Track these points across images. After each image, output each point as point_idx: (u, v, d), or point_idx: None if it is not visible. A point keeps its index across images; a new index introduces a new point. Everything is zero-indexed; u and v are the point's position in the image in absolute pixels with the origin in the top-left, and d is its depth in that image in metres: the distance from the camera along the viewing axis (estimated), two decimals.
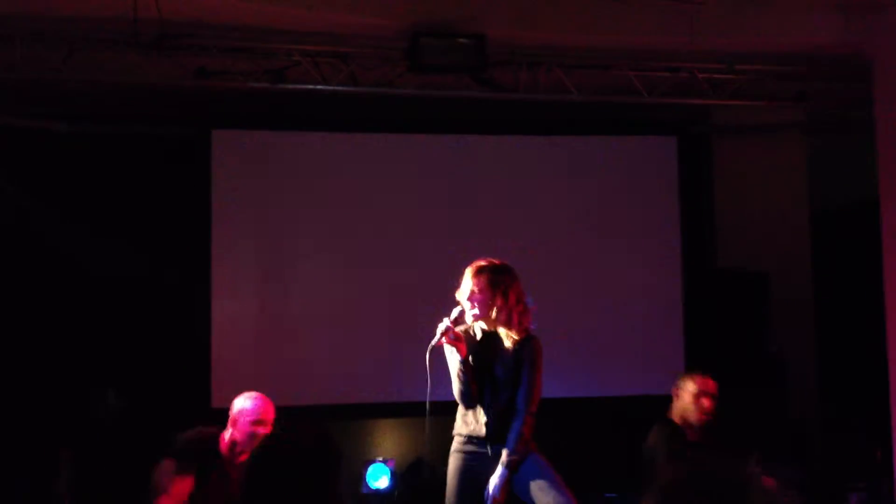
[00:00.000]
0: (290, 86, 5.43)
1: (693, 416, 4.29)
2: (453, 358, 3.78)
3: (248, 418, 3.95)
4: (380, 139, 6.18)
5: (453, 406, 3.97)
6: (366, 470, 5.80)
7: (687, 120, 6.45)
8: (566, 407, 5.95)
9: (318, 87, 5.43)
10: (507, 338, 3.79)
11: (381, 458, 5.88)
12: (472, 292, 3.76)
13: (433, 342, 3.71)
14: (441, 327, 3.72)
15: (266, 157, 6.03)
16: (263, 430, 3.85)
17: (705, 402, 4.28)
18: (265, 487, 1.90)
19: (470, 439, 3.82)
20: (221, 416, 5.62)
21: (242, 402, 4.02)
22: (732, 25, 5.26)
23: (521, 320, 3.78)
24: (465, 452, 3.82)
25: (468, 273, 3.80)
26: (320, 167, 6.08)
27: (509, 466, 3.72)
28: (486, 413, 3.80)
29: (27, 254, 5.71)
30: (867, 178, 5.45)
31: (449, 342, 3.74)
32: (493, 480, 3.72)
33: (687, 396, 4.32)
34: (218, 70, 5.33)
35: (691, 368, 4.53)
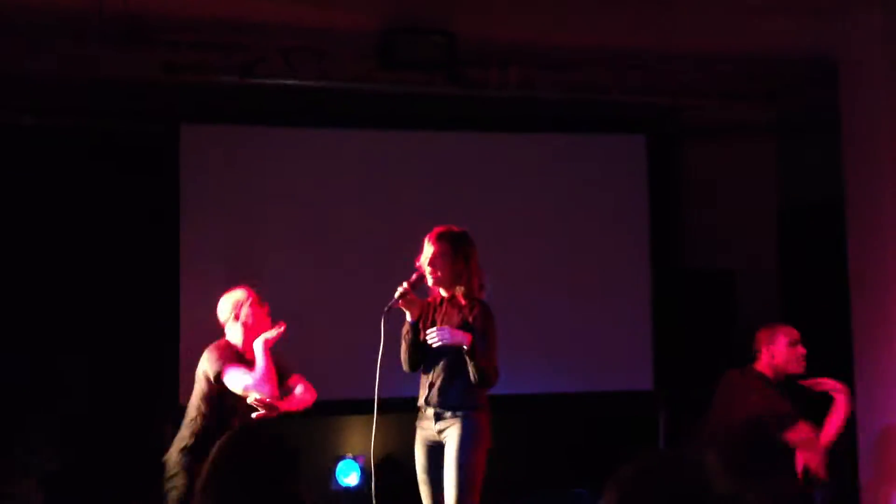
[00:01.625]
0: (261, 80, 5.40)
1: (792, 365, 4.25)
2: (406, 319, 3.92)
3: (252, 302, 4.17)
4: (351, 135, 6.16)
5: (411, 403, 4.02)
6: (335, 466, 5.79)
7: (656, 119, 6.48)
8: (535, 403, 5.99)
9: (289, 81, 5.41)
10: (463, 300, 3.86)
11: (350, 455, 5.88)
12: (434, 256, 3.81)
13: (390, 303, 3.82)
14: (399, 290, 3.82)
15: (236, 153, 5.98)
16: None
17: (801, 349, 4.26)
18: (223, 495, 1.89)
19: (423, 406, 3.93)
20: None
21: (234, 296, 4.21)
22: (702, 25, 5.30)
23: (480, 285, 3.91)
24: (420, 422, 3.95)
25: (429, 238, 3.87)
26: (291, 163, 6.05)
27: (472, 339, 3.76)
28: (432, 377, 3.90)
29: None
30: (834, 178, 5.51)
31: (403, 305, 3.84)
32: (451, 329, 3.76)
33: (782, 347, 4.25)
34: (187, 64, 5.29)
35: (770, 322, 4.44)
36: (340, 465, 5.80)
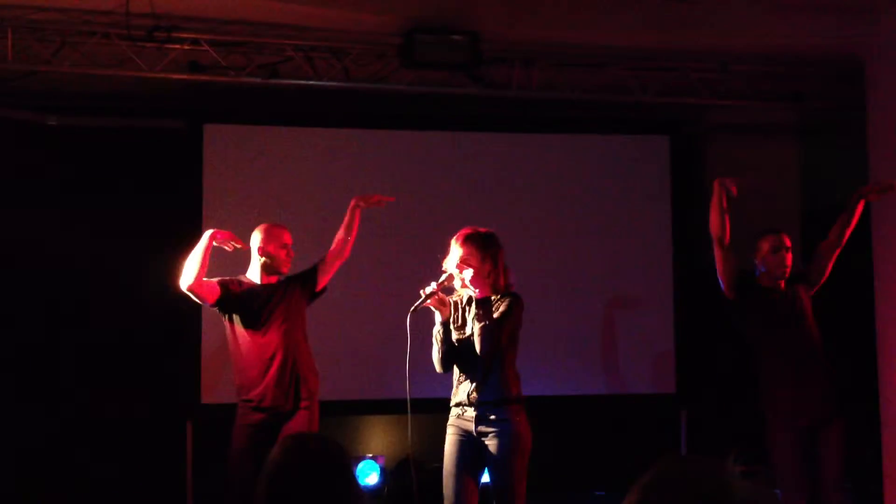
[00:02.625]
0: (283, 81, 5.42)
1: (777, 269, 4.42)
2: (436, 321, 3.88)
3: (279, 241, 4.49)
4: (372, 135, 6.17)
5: (437, 403, 4.00)
6: (355, 466, 5.80)
7: (680, 119, 6.45)
8: (556, 405, 5.97)
9: (312, 82, 5.43)
10: (499, 302, 3.87)
11: (370, 455, 5.89)
12: (463, 258, 3.82)
13: (417, 303, 3.79)
14: (427, 290, 3.79)
15: (258, 152, 6.01)
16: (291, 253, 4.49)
17: (783, 254, 4.43)
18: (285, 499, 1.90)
19: (458, 406, 3.90)
20: (211, 412, 5.65)
21: (266, 230, 4.54)
22: (726, 25, 5.26)
23: (507, 284, 3.92)
24: (456, 419, 3.90)
25: (457, 240, 3.86)
26: (312, 162, 6.07)
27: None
28: (470, 379, 3.87)
29: (18, 247, 5.69)
30: (858, 180, 5.46)
31: (434, 304, 3.82)
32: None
33: (765, 254, 4.46)
34: (210, 64, 5.32)
35: (764, 230, 4.61)
36: (360, 466, 5.81)
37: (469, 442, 3.86)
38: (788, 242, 4.50)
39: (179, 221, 5.88)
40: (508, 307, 3.87)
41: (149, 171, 5.97)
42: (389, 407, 5.83)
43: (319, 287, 4.63)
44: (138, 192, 5.93)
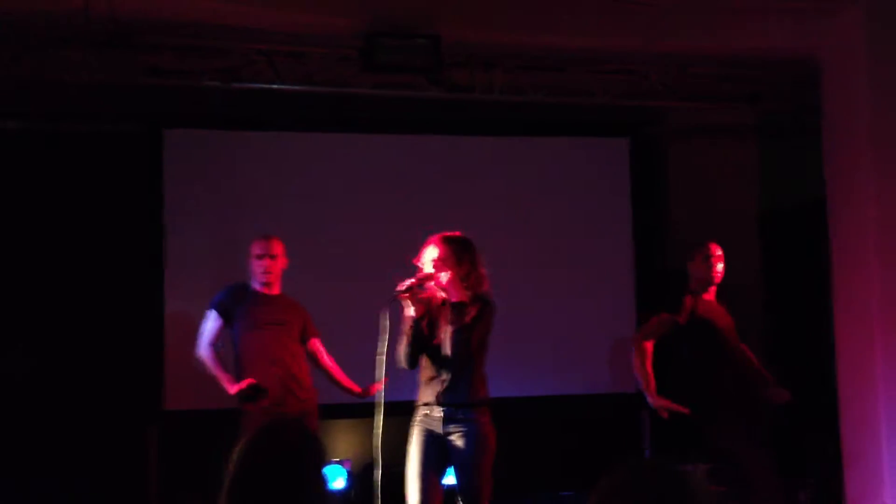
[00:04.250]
0: (245, 84, 5.39)
1: (709, 275, 4.72)
2: (407, 316, 3.90)
3: (252, 253, 4.74)
4: (335, 139, 6.16)
5: (402, 406, 4.01)
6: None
7: (641, 121, 6.51)
8: (519, 406, 5.99)
9: (273, 85, 5.40)
10: (471, 306, 3.90)
11: (336, 459, 5.87)
12: (440, 259, 3.84)
13: (393, 294, 3.81)
14: (405, 284, 3.83)
15: (219, 157, 5.98)
16: (268, 263, 4.70)
17: (715, 262, 4.74)
18: (253, 481, 1.88)
19: (426, 406, 3.94)
20: (173, 418, 5.61)
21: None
22: (686, 28, 5.31)
23: (484, 288, 3.98)
24: (422, 419, 3.94)
25: (434, 242, 3.88)
26: (274, 167, 6.04)
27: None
28: (439, 380, 3.90)
29: None
30: (815, 180, 5.55)
31: (408, 298, 3.85)
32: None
33: (698, 263, 4.77)
34: (171, 68, 5.27)
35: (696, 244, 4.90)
36: (326, 470, 5.79)
37: (435, 442, 3.88)
38: (717, 253, 4.77)
39: (139, 226, 5.84)
40: (480, 312, 3.90)
41: (108, 177, 5.90)
42: (355, 411, 5.82)
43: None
44: (97, 196, 5.86)
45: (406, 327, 3.91)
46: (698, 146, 6.68)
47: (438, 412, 3.89)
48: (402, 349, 3.93)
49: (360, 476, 5.88)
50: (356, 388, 4.85)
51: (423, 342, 3.91)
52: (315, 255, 5.89)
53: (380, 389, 3.90)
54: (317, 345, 4.92)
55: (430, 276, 3.90)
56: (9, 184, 5.78)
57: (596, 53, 5.61)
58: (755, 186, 6.79)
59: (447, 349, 3.86)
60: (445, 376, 3.90)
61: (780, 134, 6.60)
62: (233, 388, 4.54)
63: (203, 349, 4.69)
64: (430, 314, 3.93)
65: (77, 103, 5.78)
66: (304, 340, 4.87)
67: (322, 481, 2.01)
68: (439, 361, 3.91)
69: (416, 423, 3.96)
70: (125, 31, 4.96)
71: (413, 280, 3.85)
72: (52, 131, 5.89)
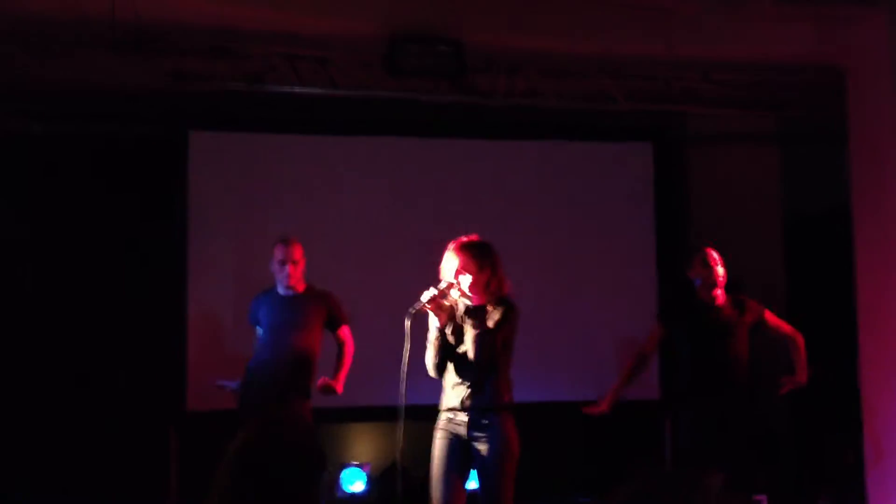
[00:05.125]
0: (269, 88, 5.43)
1: (710, 280, 4.81)
2: (433, 326, 3.91)
3: (274, 258, 4.85)
4: (358, 142, 6.18)
5: (424, 410, 4.02)
6: (340, 474, 5.80)
7: (662, 127, 6.50)
8: (540, 411, 5.98)
9: (297, 89, 5.43)
10: (494, 310, 3.91)
11: (356, 463, 5.89)
12: (462, 266, 3.86)
13: (417, 306, 3.81)
14: (427, 294, 3.82)
15: (244, 160, 6.01)
16: (290, 268, 4.82)
17: (714, 267, 4.83)
18: (251, 477, 1.89)
19: (450, 410, 3.94)
20: (195, 420, 5.65)
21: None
22: (708, 35, 5.30)
23: (506, 291, 3.99)
24: (446, 424, 3.94)
25: (453, 249, 3.89)
26: (298, 170, 6.07)
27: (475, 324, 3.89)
28: (464, 385, 3.91)
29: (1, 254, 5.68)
30: (840, 187, 5.52)
31: (432, 309, 3.84)
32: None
33: (698, 269, 4.86)
34: (196, 72, 5.32)
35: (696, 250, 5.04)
36: (345, 473, 5.81)
37: (459, 446, 3.90)
38: (714, 257, 4.87)
39: (164, 228, 5.88)
40: (504, 315, 3.91)
41: (133, 179, 5.96)
42: (376, 414, 5.84)
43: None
44: (122, 199, 5.92)
45: (432, 337, 3.93)
46: (721, 152, 6.65)
47: (463, 416, 3.90)
48: (430, 359, 3.95)
49: (379, 480, 5.90)
50: (326, 382, 4.86)
51: (448, 350, 3.93)
52: (338, 258, 5.92)
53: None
54: (343, 333, 5.01)
55: (450, 285, 3.92)
56: (34, 187, 5.85)
57: (618, 59, 5.61)
58: (778, 192, 6.75)
59: (472, 354, 3.87)
60: (470, 380, 3.91)
61: (803, 140, 6.56)
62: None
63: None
64: (454, 322, 3.94)
65: (103, 107, 5.84)
66: (333, 329, 4.98)
67: (315, 480, 2.01)
68: (464, 366, 3.92)
69: (439, 428, 3.97)
70: (151, 36, 5.00)
71: (435, 291, 3.87)
72: (78, 135, 5.95)
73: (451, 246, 3.96)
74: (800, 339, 4.93)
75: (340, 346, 4.99)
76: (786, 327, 4.98)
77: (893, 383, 4.98)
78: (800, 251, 6.61)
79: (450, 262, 3.92)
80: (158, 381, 5.75)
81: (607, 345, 6.22)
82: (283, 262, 4.82)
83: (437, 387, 4.06)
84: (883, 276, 5.08)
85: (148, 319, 5.77)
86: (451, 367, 3.96)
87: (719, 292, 4.85)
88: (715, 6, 5.09)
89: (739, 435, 4.73)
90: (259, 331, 4.90)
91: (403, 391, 3.87)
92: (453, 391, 3.94)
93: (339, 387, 4.86)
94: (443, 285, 3.89)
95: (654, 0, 5.01)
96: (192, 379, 5.74)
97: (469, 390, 3.90)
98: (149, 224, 5.89)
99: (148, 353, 5.76)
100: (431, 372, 3.96)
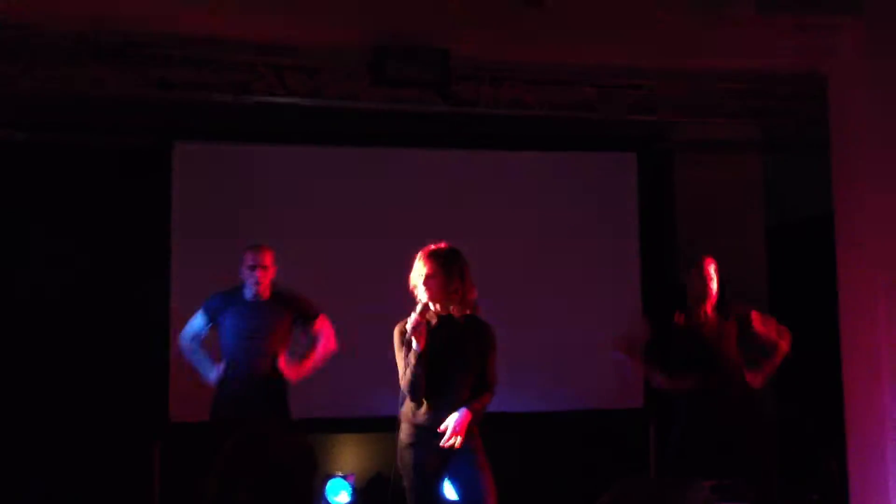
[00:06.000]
0: (254, 98, 5.42)
1: (703, 289, 4.82)
2: (412, 349, 3.86)
3: (244, 263, 4.86)
4: (344, 153, 6.19)
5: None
6: (325, 485, 5.78)
7: (647, 136, 6.53)
8: (525, 421, 5.99)
9: (282, 99, 5.43)
10: (463, 321, 3.93)
11: (340, 474, 5.87)
12: (429, 275, 3.84)
13: (407, 337, 3.82)
14: (410, 324, 3.84)
15: (229, 170, 6.01)
16: (260, 273, 4.81)
17: (707, 275, 4.85)
18: (242, 480, 1.88)
19: (425, 430, 3.90)
20: (178, 431, 5.63)
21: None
22: (691, 44, 5.34)
23: (473, 300, 4.00)
24: (424, 441, 3.89)
25: (422, 257, 3.90)
26: (283, 180, 6.07)
27: (472, 410, 3.84)
28: (443, 403, 3.89)
29: None
30: (823, 195, 5.55)
31: (413, 335, 3.84)
32: (455, 416, 3.82)
33: (693, 278, 4.88)
34: (181, 82, 5.31)
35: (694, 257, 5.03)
36: (330, 484, 5.79)
37: (436, 459, 3.88)
38: (711, 272, 4.86)
39: (148, 239, 5.86)
40: (477, 332, 3.96)
41: (116, 189, 5.94)
42: (360, 425, 5.84)
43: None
44: (105, 209, 5.90)
45: (412, 361, 3.87)
46: (705, 160, 6.69)
47: (438, 428, 3.89)
48: (408, 384, 3.90)
49: (364, 490, 5.89)
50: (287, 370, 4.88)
51: (424, 374, 3.89)
52: (323, 267, 5.92)
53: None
54: (318, 326, 4.97)
55: (426, 305, 3.91)
56: (17, 195, 5.81)
57: (602, 69, 5.64)
58: (762, 201, 6.79)
59: (445, 367, 3.88)
60: (447, 399, 3.92)
61: (787, 148, 6.60)
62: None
63: (184, 341, 4.97)
64: (429, 338, 3.92)
65: (87, 116, 5.82)
66: (306, 326, 4.96)
67: (308, 486, 2.00)
68: (441, 382, 3.91)
69: (414, 444, 3.94)
70: (135, 45, 4.99)
71: (418, 316, 3.85)
72: (61, 143, 5.93)
73: (420, 254, 3.95)
74: (782, 346, 4.92)
75: (315, 339, 4.96)
76: (772, 333, 4.95)
77: (876, 391, 5.00)
78: (783, 259, 6.65)
79: (418, 271, 3.92)
80: (141, 391, 5.72)
81: (591, 354, 6.23)
82: (252, 268, 4.82)
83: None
84: (865, 284, 5.11)
85: (131, 330, 5.74)
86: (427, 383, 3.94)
87: (709, 305, 4.85)
88: (697, 15, 5.11)
89: (731, 442, 4.72)
90: (202, 318, 4.92)
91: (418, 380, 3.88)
92: (431, 409, 3.92)
93: (294, 372, 4.83)
94: (419, 308, 3.87)
95: (638, 9, 5.04)
96: (174, 390, 5.71)
97: (450, 408, 3.90)
98: (132, 235, 5.86)
99: (131, 364, 5.73)
100: (413, 397, 3.92)
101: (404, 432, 3.94)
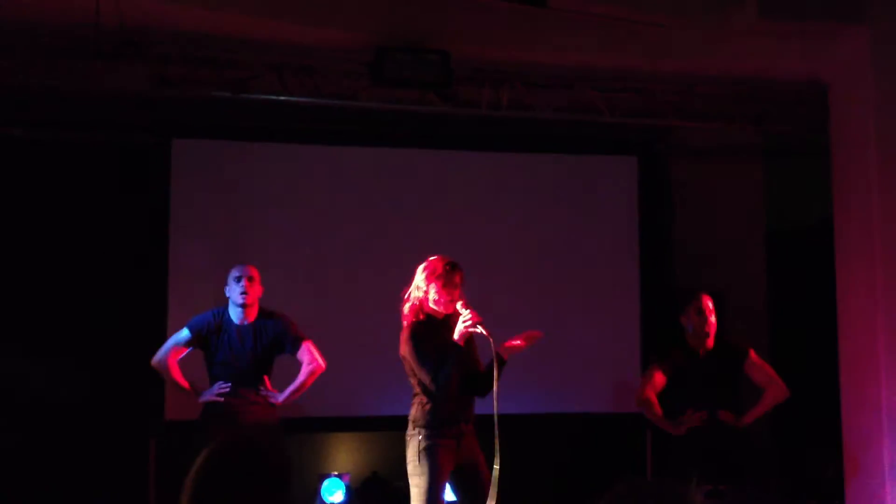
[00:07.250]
0: (253, 96, 5.41)
1: (701, 329, 4.64)
2: (452, 348, 3.94)
3: (231, 276, 4.72)
4: (343, 152, 6.17)
5: (400, 420, 4.02)
6: (320, 484, 5.76)
7: (648, 140, 6.52)
8: (522, 424, 5.97)
9: (282, 98, 5.42)
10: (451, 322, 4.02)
11: (335, 473, 5.86)
12: (460, 283, 4.00)
13: (475, 319, 3.90)
14: (470, 315, 3.91)
15: (227, 168, 5.99)
16: (247, 283, 4.67)
17: (707, 315, 4.66)
18: (217, 482, 1.88)
19: (453, 423, 3.98)
20: (175, 429, 5.61)
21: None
22: (693, 49, 5.34)
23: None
24: (451, 440, 3.97)
25: (454, 267, 3.98)
26: (282, 178, 6.05)
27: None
28: (462, 401, 4.03)
29: None
30: (822, 200, 5.55)
31: (467, 333, 3.94)
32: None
33: (692, 316, 4.68)
34: (180, 79, 5.30)
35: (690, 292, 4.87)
36: (326, 483, 5.78)
37: (456, 457, 3.98)
38: (709, 306, 4.71)
39: (145, 236, 5.84)
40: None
41: (114, 186, 5.92)
42: (355, 424, 5.82)
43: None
44: (104, 206, 5.88)
45: (453, 361, 3.94)
46: (705, 165, 6.69)
47: (459, 429, 3.98)
48: (446, 382, 3.94)
49: (358, 490, 5.87)
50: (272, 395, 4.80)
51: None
52: (320, 267, 5.90)
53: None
54: (304, 353, 4.80)
55: (465, 305, 3.99)
56: (16, 192, 5.80)
57: (604, 72, 5.63)
58: (762, 206, 6.79)
59: (476, 370, 4.05)
60: (464, 394, 4.04)
61: (787, 153, 6.60)
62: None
63: (161, 357, 4.82)
64: (438, 334, 4.01)
65: (86, 113, 5.80)
66: (293, 352, 4.81)
67: (283, 488, 1.99)
68: (468, 380, 4.03)
69: (440, 443, 3.96)
70: (135, 42, 4.98)
71: (474, 314, 3.93)
72: (61, 140, 5.91)
73: (448, 263, 3.98)
74: (777, 392, 4.73)
75: (300, 362, 4.82)
76: (769, 374, 4.77)
77: (873, 397, 5.01)
78: (782, 265, 6.64)
79: (452, 279, 3.97)
80: (137, 389, 5.70)
81: (591, 357, 6.23)
82: (238, 279, 4.70)
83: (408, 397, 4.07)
84: (864, 290, 5.11)
85: (128, 328, 5.72)
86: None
87: (710, 341, 4.72)
88: (700, 20, 5.12)
89: (728, 458, 4.67)
90: (207, 359, 4.82)
91: (495, 404, 3.89)
92: (457, 404, 4.00)
93: (279, 399, 4.75)
94: (467, 311, 3.95)
95: (640, 14, 5.04)
96: (170, 387, 5.69)
97: (467, 402, 4.05)
98: (130, 232, 5.84)
99: (127, 362, 5.70)
100: (444, 396, 3.95)
101: (422, 435, 3.95)
